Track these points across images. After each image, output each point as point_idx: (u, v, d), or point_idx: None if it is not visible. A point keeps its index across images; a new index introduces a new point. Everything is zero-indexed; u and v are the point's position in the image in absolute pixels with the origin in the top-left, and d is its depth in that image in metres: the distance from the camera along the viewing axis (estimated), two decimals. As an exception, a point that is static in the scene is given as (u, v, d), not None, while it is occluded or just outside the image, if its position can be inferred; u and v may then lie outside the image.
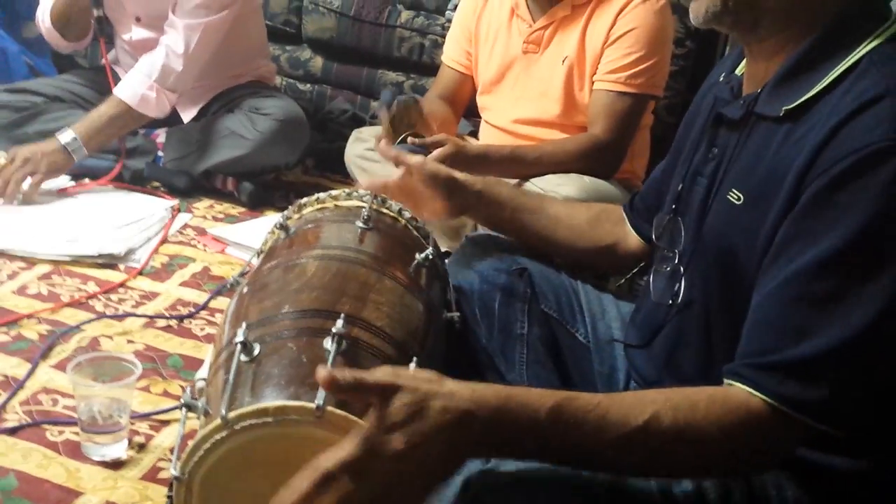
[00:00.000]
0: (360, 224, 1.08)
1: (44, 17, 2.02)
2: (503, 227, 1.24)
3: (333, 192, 1.20)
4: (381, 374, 0.70)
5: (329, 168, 2.39)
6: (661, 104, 2.04)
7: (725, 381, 0.79)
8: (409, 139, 1.75)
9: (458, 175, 1.19)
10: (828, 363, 0.74)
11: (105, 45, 2.05)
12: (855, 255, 0.74)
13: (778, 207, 0.79)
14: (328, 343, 0.81)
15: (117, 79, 2.00)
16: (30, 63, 2.42)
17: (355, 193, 1.19)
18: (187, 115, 2.14)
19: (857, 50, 0.80)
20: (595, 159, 1.78)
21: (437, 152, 1.69)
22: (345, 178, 2.19)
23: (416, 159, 1.21)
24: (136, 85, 1.93)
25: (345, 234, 1.06)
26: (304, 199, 1.20)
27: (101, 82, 2.09)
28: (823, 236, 0.74)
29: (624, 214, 1.21)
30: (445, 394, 0.70)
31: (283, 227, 1.10)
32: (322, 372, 0.69)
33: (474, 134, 2.13)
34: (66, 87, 2.11)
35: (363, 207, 1.12)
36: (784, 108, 0.82)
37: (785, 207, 0.79)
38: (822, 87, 0.80)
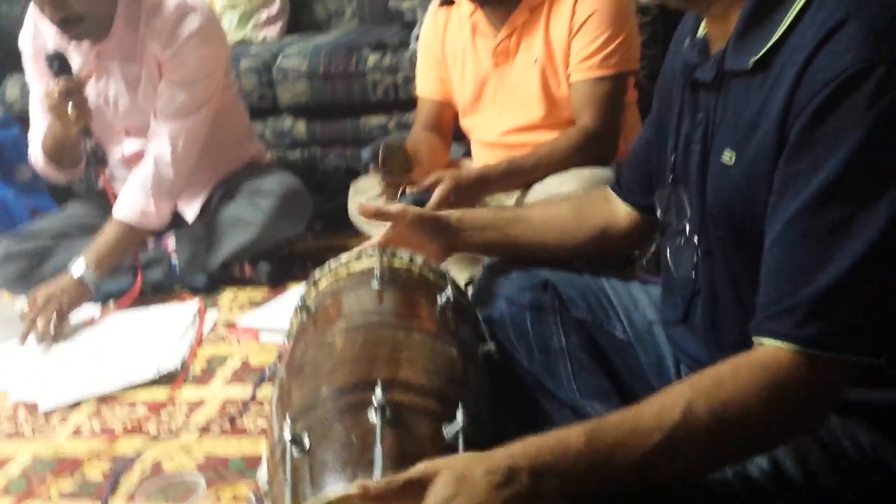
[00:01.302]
0: (375, 285, 1.08)
1: (37, 156, 2.07)
2: (496, 250, 1.24)
3: (343, 258, 1.20)
4: (415, 468, 0.71)
5: (338, 225, 2.39)
6: (641, 75, 2.03)
7: (753, 339, 0.77)
8: (407, 191, 1.76)
9: (439, 213, 1.20)
10: (843, 292, 0.72)
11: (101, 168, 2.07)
12: (850, 181, 0.73)
13: (767, 155, 0.78)
14: (372, 416, 0.81)
15: (115, 194, 2.03)
16: (30, 205, 2.46)
17: (364, 254, 1.20)
18: (191, 214, 2.16)
19: None
20: (590, 149, 1.77)
21: (437, 192, 1.70)
22: (354, 234, 2.20)
23: (395, 209, 1.21)
24: (132, 202, 1.96)
25: (364, 300, 1.06)
26: (318, 273, 1.21)
27: (103, 206, 2.13)
28: (817, 170, 0.73)
29: (609, 193, 1.20)
30: (483, 458, 0.71)
31: (303, 307, 1.11)
32: (354, 489, 0.69)
33: (468, 155, 2.13)
34: (69, 222, 2.15)
35: (374, 266, 1.13)
36: (752, 59, 0.81)
37: (774, 154, 0.78)
38: (783, 29, 0.79)
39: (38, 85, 2.04)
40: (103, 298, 2.04)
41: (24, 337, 1.84)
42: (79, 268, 1.90)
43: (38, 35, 2.00)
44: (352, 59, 2.55)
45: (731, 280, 0.91)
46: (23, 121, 2.65)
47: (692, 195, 0.94)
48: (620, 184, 1.18)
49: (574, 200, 1.23)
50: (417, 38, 2.35)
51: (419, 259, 1.19)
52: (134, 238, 1.99)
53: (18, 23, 2.93)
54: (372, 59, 2.54)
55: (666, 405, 0.73)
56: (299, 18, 3.07)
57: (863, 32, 0.72)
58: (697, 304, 0.97)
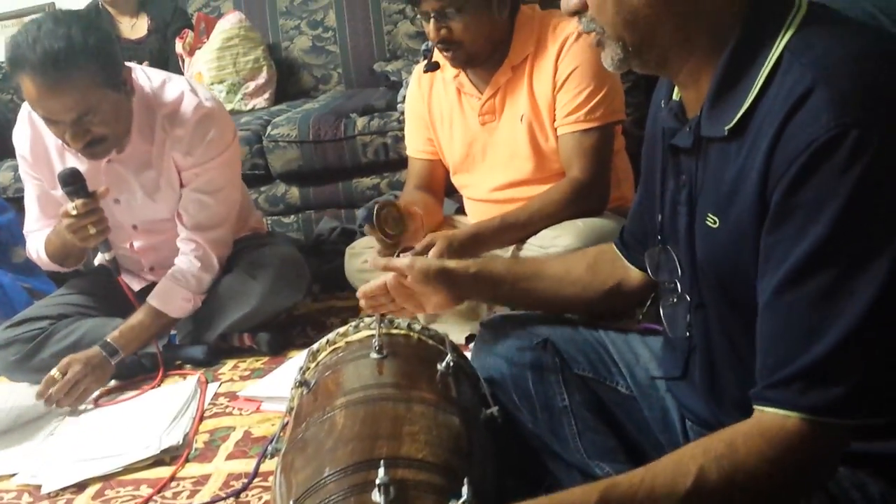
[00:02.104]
0: (374, 355, 1.08)
1: (38, 252, 2.06)
2: (508, 302, 1.24)
3: (341, 330, 1.21)
4: None
5: (336, 288, 2.39)
6: (628, 121, 2.06)
7: (755, 407, 0.77)
8: (400, 255, 1.76)
9: (450, 264, 1.20)
10: (841, 358, 0.73)
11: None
12: (834, 247, 0.73)
13: (750, 221, 0.79)
14: (377, 496, 0.80)
15: (131, 289, 2.04)
16: (26, 287, 2.46)
17: (362, 323, 1.20)
18: None
19: (774, 48, 0.80)
20: (582, 201, 1.78)
21: (430, 255, 1.71)
22: (352, 295, 2.19)
23: (403, 262, 1.22)
24: (173, 295, 1.98)
25: (363, 372, 1.05)
26: (316, 345, 1.21)
27: (100, 283, 2.14)
28: (800, 238, 0.74)
29: (618, 252, 1.20)
30: None
31: (303, 382, 1.10)
32: None
33: (461, 210, 2.15)
34: (66, 302, 2.14)
35: (373, 336, 1.13)
36: (726, 127, 0.82)
37: (756, 220, 0.79)
38: (753, 96, 0.80)
39: (35, 183, 2.04)
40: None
41: (43, 394, 1.82)
42: (107, 347, 1.89)
43: (37, 140, 1.96)
44: (340, 124, 2.58)
45: (726, 336, 0.91)
46: (16, 202, 2.67)
47: (682, 254, 0.95)
48: (625, 244, 1.18)
49: (589, 255, 1.23)
50: (404, 98, 2.39)
51: (417, 325, 1.19)
52: (164, 326, 2.01)
53: (8, 107, 3.00)
54: (360, 122, 2.57)
55: (679, 471, 0.73)
56: (287, 87, 3.13)
57: (832, 98, 0.73)
58: (695, 361, 0.97)
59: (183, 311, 2.02)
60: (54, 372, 1.84)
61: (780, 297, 0.76)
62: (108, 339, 1.92)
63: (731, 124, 0.81)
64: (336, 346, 1.18)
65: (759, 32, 0.81)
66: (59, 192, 1.87)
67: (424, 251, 1.69)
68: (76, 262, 2.11)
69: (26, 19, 3.58)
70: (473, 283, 1.20)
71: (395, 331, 1.17)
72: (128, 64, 1.89)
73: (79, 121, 1.73)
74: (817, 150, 0.72)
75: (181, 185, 1.99)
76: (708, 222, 0.86)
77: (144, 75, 1.95)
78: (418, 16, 1.89)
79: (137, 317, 1.97)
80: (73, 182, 1.79)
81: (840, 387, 0.73)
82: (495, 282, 1.20)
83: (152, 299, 1.99)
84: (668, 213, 0.97)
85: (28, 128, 1.96)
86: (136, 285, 2.16)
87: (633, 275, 1.17)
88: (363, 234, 2.42)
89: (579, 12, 0.88)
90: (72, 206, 1.79)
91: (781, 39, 0.80)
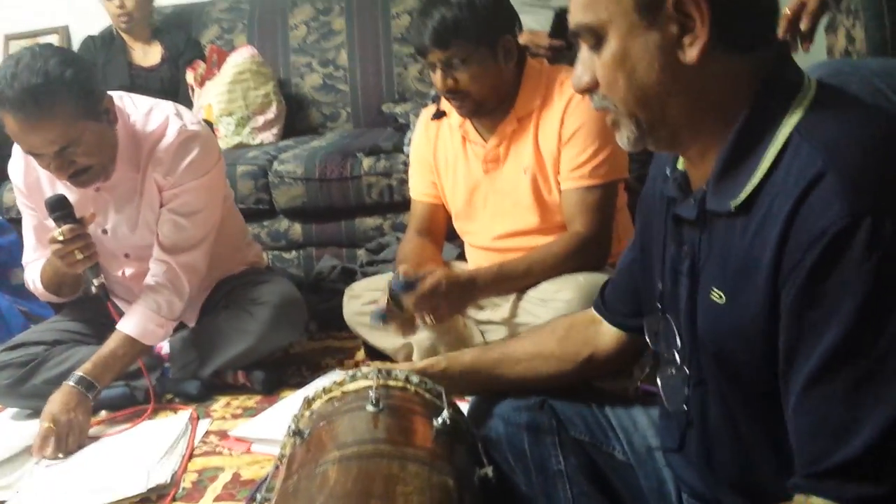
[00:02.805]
0: (370, 408, 1.06)
1: (35, 282, 2.06)
2: (485, 389, 1.23)
3: (338, 378, 1.19)
4: None
5: (332, 327, 2.38)
6: (631, 177, 2.06)
7: (795, 496, 0.76)
8: (401, 275, 1.76)
9: (420, 364, 1.21)
10: (881, 451, 0.72)
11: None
12: (862, 337, 0.73)
13: (760, 304, 0.79)
14: (367, 559, 0.78)
15: (120, 313, 2.00)
16: (24, 310, 2.45)
17: (359, 373, 1.19)
18: (191, 319, 2.16)
19: (782, 126, 0.80)
20: (583, 255, 1.79)
21: (427, 279, 1.72)
22: (349, 334, 2.19)
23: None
24: (144, 321, 1.94)
25: (358, 425, 1.04)
26: (312, 393, 1.20)
27: (95, 311, 2.12)
28: (825, 330, 0.74)
29: (594, 314, 1.20)
30: None
31: (297, 431, 1.09)
32: None
33: (461, 256, 2.15)
34: (62, 328, 2.13)
35: (370, 387, 1.12)
36: (732, 203, 0.82)
37: (767, 305, 0.78)
38: (760, 175, 0.80)
39: (31, 213, 2.04)
40: (97, 408, 2.01)
41: (39, 449, 1.77)
42: (79, 381, 1.84)
43: (29, 171, 1.97)
44: (347, 163, 2.60)
45: (726, 412, 0.90)
46: (19, 223, 2.67)
47: (682, 326, 0.94)
48: (606, 305, 1.18)
49: (559, 327, 1.23)
50: (411, 141, 2.41)
51: (415, 378, 1.18)
52: (136, 354, 1.96)
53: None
54: (367, 162, 2.59)
55: None
56: (295, 122, 3.16)
57: (843, 185, 0.73)
58: (692, 435, 0.96)
59: (155, 338, 1.97)
60: (45, 424, 1.79)
61: (812, 390, 0.75)
62: (82, 373, 1.86)
63: (738, 201, 0.82)
64: (332, 394, 1.17)
65: (768, 111, 0.82)
66: (51, 221, 1.87)
67: (431, 292, 1.71)
68: (71, 293, 2.10)
69: (40, 39, 3.66)
70: (445, 378, 1.18)
71: (392, 382, 1.16)
72: (112, 93, 1.89)
73: (62, 152, 1.74)
74: (832, 241, 0.72)
75: (161, 206, 1.97)
76: (713, 297, 0.86)
77: (132, 103, 1.96)
78: (425, 67, 1.90)
79: (109, 346, 1.92)
80: (60, 208, 1.81)
81: (883, 479, 0.72)
82: (466, 372, 1.20)
83: (122, 326, 1.94)
84: (668, 282, 0.96)
85: (21, 159, 1.98)
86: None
87: (608, 340, 1.17)
88: (363, 275, 2.42)
89: (591, 90, 0.89)
90: (58, 232, 1.80)
91: (790, 119, 0.80)
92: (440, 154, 1.99)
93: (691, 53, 0.81)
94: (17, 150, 1.97)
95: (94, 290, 1.90)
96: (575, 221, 1.80)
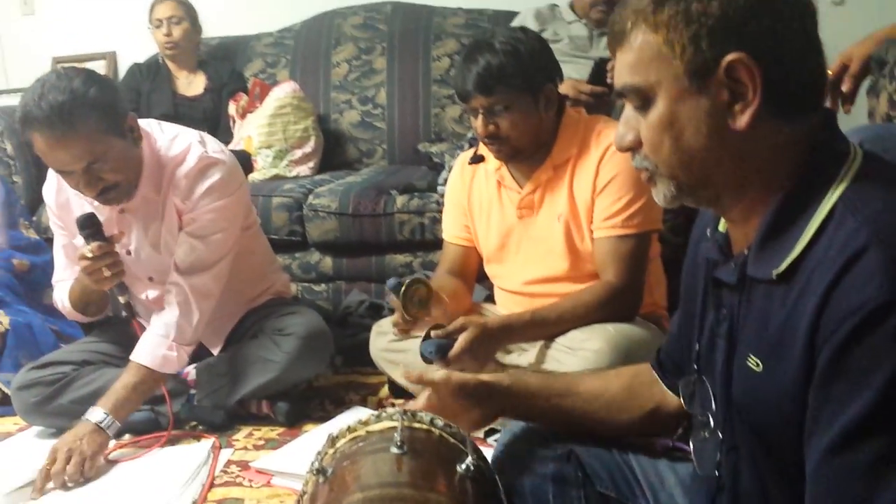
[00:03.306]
0: (394, 450, 1.06)
1: (63, 301, 2.10)
2: (541, 418, 1.21)
3: (363, 418, 1.19)
4: None
5: (357, 362, 2.38)
6: (665, 227, 2.06)
7: None
8: (432, 333, 1.77)
9: (486, 377, 1.19)
10: None
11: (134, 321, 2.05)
12: (884, 415, 0.72)
13: (796, 375, 0.78)
14: None
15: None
16: (55, 329, 2.48)
17: (384, 414, 1.19)
18: (215, 347, 2.18)
19: (828, 197, 0.80)
20: (614, 305, 1.78)
21: (461, 338, 1.71)
22: (374, 370, 2.19)
23: (439, 376, 1.21)
24: (154, 348, 1.94)
25: (381, 467, 1.04)
26: (336, 431, 1.20)
27: (124, 333, 2.14)
28: (850, 402, 0.73)
29: (653, 373, 1.19)
30: None
31: (320, 469, 1.09)
32: None
33: (490, 298, 2.15)
34: (91, 349, 2.15)
35: (395, 428, 1.11)
36: (774, 272, 0.82)
37: (803, 376, 0.77)
38: (804, 244, 0.80)
39: (62, 233, 2.09)
40: (118, 434, 2.02)
41: (40, 490, 1.75)
42: (97, 415, 1.84)
43: (61, 191, 2.02)
44: (380, 199, 2.62)
45: (757, 479, 0.88)
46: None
47: (717, 389, 0.93)
48: (661, 366, 1.16)
49: (625, 375, 1.21)
50: (445, 181, 2.43)
51: (440, 422, 1.18)
52: (153, 384, 1.96)
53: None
54: (400, 200, 2.60)
55: None
56: (332, 157, 3.19)
57: (885, 263, 0.72)
58: (722, 500, 0.94)
59: (170, 365, 1.95)
60: (45, 463, 1.78)
61: (829, 461, 0.74)
62: (97, 406, 1.85)
63: (780, 269, 0.81)
64: (356, 433, 1.17)
65: (814, 180, 0.82)
66: (80, 240, 1.92)
67: (456, 333, 1.71)
68: (97, 312, 2.13)
69: (88, 64, 3.75)
70: (507, 397, 1.18)
71: (417, 425, 1.16)
72: (142, 121, 1.95)
73: (89, 169, 1.79)
74: (869, 315, 0.72)
75: (180, 230, 2.00)
76: (749, 363, 0.85)
77: (159, 128, 2.02)
78: (466, 112, 1.92)
79: (123, 378, 1.91)
80: (89, 226, 1.87)
81: None
82: (530, 396, 1.19)
83: (135, 356, 1.94)
84: (705, 344, 0.96)
85: (54, 179, 2.03)
86: None
87: (671, 399, 1.14)
88: (391, 312, 2.43)
89: (633, 149, 0.89)
90: (88, 249, 1.85)
91: (836, 189, 0.80)
92: (475, 198, 2.00)
93: (742, 120, 0.81)
94: (52, 171, 2.02)
95: (120, 307, 1.93)
96: (607, 271, 1.79)
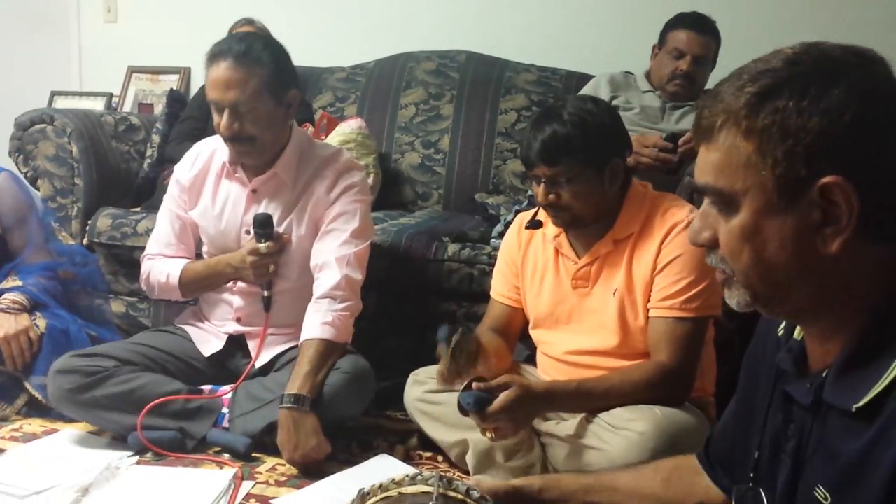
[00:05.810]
0: (428, 518, 1.02)
1: (170, 276, 2.22)
2: None
3: (397, 478, 1.16)
4: None
5: (389, 405, 2.35)
6: (720, 311, 2.00)
7: None
8: (474, 384, 1.72)
9: (517, 483, 1.17)
10: None
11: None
12: None
13: None
14: None
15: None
16: (92, 335, 2.42)
17: (419, 477, 1.15)
18: (263, 358, 2.18)
19: None
20: (664, 388, 1.72)
21: (502, 397, 1.66)
22: (404, 417, 2.15)
23: (471, 482, 1.18)
24: (322, 323, 2.05)
25: (413, 536, 1.00)
26: (368, 488, 1.16)
27: (174, 344, 2.19)
28: None
29: (699, 465, 1.13)
30: None
31: (348, 528, 1.05)
32: None
33: (531, 359, 2.10)
34: (137, 350, 2.14)
35: (430, 494, 1.07)
36: (854, 405, 0.76)
37: None
38: (891, 378, 0.75)
39: (174, 208, 2.25)
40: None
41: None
42: (298, 399, 1.93)
43: (201, 172, 2.21)
44: (433, 245, 2.59)
45: None
46: (108, 248, 2.75)
47: None
48: (710, 459, 1.11)
49: (664, 468, 1.16)
50: (500, 234, 2.40)
51: (475, 493, 1.13)
52: (334, 352, 2.05)
53: (124, 158, 3.12)
54: (452, 248, 2.57)
55: None
56: (389, 195, 3.19)
57: None
58: None
59: (348, 332, 2.10)
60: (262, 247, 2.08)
61: None
62: (292, 393, 1.93)
63: (862, 403, 0.76)
64: (389, 494, 1.13)
65: None
66: (194, 212, 2.20)
67: (499, 389, 1.67)
68: (196, 295, 2.29)
69: (162, 77, 3.83)
70: (541, 502, 1.14)
71: (452, 493, 1.12)
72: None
73: (236, 108, 1.98)
74: None
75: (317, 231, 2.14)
76: (817, 494, 0.80)
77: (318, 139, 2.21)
78: (529, 178, 1.90)
79: (306, 357, 1.98)
80: (267, 225, 2.10)
81: None
82: (564, 497, 1.15)
83: (310, 334, 2.02)
84: (766, 455, 0.90)
85: (195, 158, 2.24)
86: (220, 332, 2.24)
87: (715, 495, 1.09)
88: (434, 361, 2.38)
89: (708, 247, 0.85)
90: (264, 247, 2.08)
91: None
92: (529, 261, 1.97)
93: (832, 245, 0.77)
94: (190, 154, 2.26)
95: (263, 299, 2.14)
96: (660, 351, 1.74)
